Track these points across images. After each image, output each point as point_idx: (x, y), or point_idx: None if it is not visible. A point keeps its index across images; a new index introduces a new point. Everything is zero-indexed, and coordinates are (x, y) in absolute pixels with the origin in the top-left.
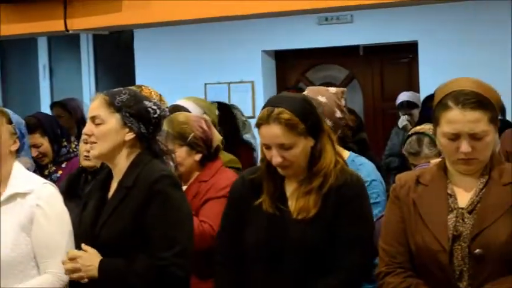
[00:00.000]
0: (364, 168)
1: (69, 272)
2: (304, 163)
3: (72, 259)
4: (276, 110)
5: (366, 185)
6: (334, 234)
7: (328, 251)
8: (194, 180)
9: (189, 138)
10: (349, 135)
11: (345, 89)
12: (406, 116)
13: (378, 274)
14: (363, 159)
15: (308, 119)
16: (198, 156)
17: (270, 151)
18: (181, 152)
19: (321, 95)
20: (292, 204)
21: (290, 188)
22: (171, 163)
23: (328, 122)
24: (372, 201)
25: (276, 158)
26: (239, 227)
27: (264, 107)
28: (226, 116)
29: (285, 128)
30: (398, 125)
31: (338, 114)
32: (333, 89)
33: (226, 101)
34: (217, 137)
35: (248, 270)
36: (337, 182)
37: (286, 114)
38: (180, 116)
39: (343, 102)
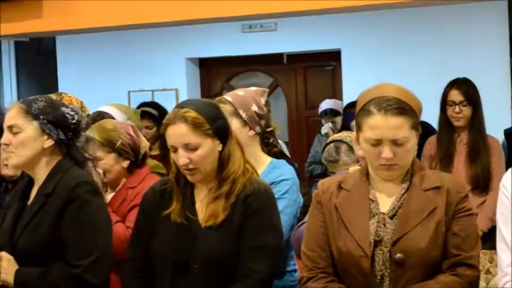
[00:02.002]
0: (282, 168)
1: None
2: (213, 168)
3: None
4: (182, 110)
5: (276, 182)
6: (242, 243)
7: (236, 260)
8: (122, 187)
9: (117, 145)
10: (275, 143)
11: (267, 89)
12: (329, 123)
13: (300, 279)
14: (283, 162)
15: (215, 122)
16: (126, 163)
17: (176, 154)
18: (109, 159)
19: (241, 90)
20: (201, 212)
21: (200, 196)
22: (94, 170)
23: (243, 114)
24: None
25: (182, 159)
26: (149, 238)
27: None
28: (163, 117)
29: (190, 126)
30: (321, 133)
31: (254, 108)
32: (254, 88)
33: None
34: (144, 144)
35: (156, 281)
36: (245, 191)
37: (192, 113)
38: (108, 123)
39: (262, 100)
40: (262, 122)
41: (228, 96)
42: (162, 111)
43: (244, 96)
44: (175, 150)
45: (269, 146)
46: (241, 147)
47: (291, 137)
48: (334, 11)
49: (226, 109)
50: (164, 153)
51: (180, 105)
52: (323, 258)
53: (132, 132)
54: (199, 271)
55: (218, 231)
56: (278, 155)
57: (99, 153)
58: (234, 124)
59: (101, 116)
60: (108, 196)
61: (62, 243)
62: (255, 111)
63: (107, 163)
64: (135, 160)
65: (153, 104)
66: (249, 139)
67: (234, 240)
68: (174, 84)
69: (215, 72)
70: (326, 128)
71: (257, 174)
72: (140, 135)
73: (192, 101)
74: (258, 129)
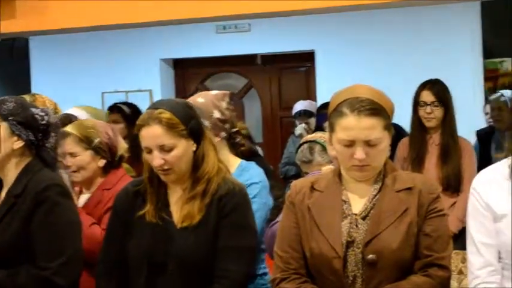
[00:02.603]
0: (250, 172)
1: None
2: (187, 168)
3: None
4: (156, 111)
5: (246, 186)
6: (218, 244)
7: (212, 260)
8: (97, 188)
9: (95, 143)
10: (242, 142)
11: (227, 92)
12: (303, 124)
13: (273, 280)
14: (252, 164)
15: (189, 122)
16: (102, 162)
17: (151, 155)
18: (85, 156)
19: (200, 97)
20: (176, 213)
21: (174, 197)
22: (63, 173)
23: (205, 122)
24: None
25: (157, 160)
26: (123, 239)
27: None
28: (135, 115)
29: (165, 127)
30: (295, 133)
31: (216, 114)
32: (214, 92)
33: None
34: (122, 146)
35: (132, 282)
36: (220, 191)
37: (167, 114)
38: (88, 121)
39: (223, 105)
40: (227, 126)
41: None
42: (135, 110)
43: (205, 104)
44: (150, 151)
45: (236, 146)
46: (214, 147)
47: (265, 138)
48: (308, 12)
49: None
50: (134, 155)
51: (154, 106)
52: (296, 259)
53: (111, 133)
54: (176, 272)
55: (194, 232)
56: (246, 154)
57: (76, 149)
58: None
59: (68, 118)
60: (85, 196)
61: (31, 245)
62: (217, 118)
63: (83, 160)
64: (111, 161)
65: (127, 103)
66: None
67: (210, 240)
68: (148, 85)
69: (189, 73)
70: (300, 129)
71: (230, 173)
72: (119, 137)
73: (166, 101)
74: (223, 134)
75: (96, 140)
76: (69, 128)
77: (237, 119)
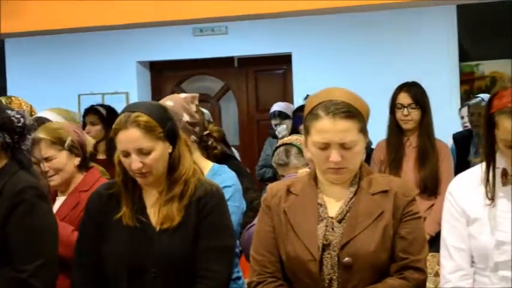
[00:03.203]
0: (223, 176)
1: None
2: (163, 170)
3: None
4: (134, 114)
5: None
6: (199, 245)
7: (193, 262)
8: (74, 190)
9: (67, 142)
10: (214, 145)
11: (196, 94)
12: (284, 125)
13: (249, 284)
14: (225, 168)
15: (166, 124)
16: (77, 160)
17: (128, 158)
18: (62, 157)
19: (170, 100)
20: (154, 215)
21: (150, 199)
22: (40, 174)
23: None
24: None
25: (135, 164)
26: (98, 243)
27: (120, 114)
28: (111, 117)
29: (143, 131)
30: (271, 135)
31: (186, 118)
32: (183, 95)
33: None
34: (89, 141)
35: (111, 287)
36: (197, 192)
37: (144, 117)
38: (54, 123)
39: (193, 108)
40: (197, 129)
41: None
42: (111, 111)
43: (174, 107)
44: (127, 155)
45: (209, 149)
46: (189, 149)
47: (242, 140)
48: (286, 14)
49: None
50: (111, 157)
51: (130, 109)
52: (272, 262)
53: (78, 130)
54: (157, 275)
55: (174, 234)
56: (219, 157)
57: (51, 152)
58: None
59: (40, 121)
60: (61, 199)
61: (8, 247)
62: (186, 121)
63: (61, 161)
64: (84, 158)
65: (103, 105)
66: None
67: (190, 242)
68: (125, 87)
69: (166, 76)
70: (283, 130)
71: (203, 174)
72: (85, 133)
73: (141, 104)
74: (193, 137)
75: (68, 139)
76: (39, 134)
77: (213, 122)
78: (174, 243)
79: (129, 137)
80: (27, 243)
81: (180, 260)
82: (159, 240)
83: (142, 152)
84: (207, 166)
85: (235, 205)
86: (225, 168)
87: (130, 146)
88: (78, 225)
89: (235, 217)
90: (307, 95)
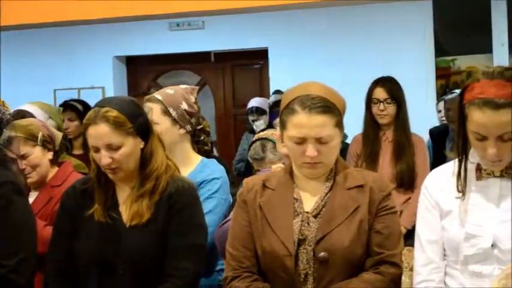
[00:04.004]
0: (212, 167)
1: None
2: (135, 166)
3: None
4: (103, 110)
5: (207, 181)
6: (168, 242)
7: (162, 259)
8: (46, 185)
9: (39, 137)
10: (206, 141)
11: (196, 87)
12: (262, 120)
13: (224, 279)
14: (214, 161)
15: (136, 119)
16: (50, 155)
17: (98, 154)
18: (37, 152)
19: (170, 89)
20: (125, 211)
21: (123, 196)
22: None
23: (173, 112)
24: (205, 195)
25: (104, 159)
26: (71, 238)
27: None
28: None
29: (112, 126)
30: (248, 130)
31: (184, 106)
32: (184, 86)
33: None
34: (58, 135)
35: (81, 283)
36: (169, 189)
37: (113, 113)
38: (22, 120)
39: (192, 98)
40: (193, 120)
41: (157, 95)
42: (87, 106)
43: (174, 95)
44: (97, 150)
45: (200, 144)
46: (162, 144)
47: (219, 135)
48: (262, 9)
49: (156, 107)
50: (87, 153)
51: (100, 104)
52: (247, 257)
53: (45, 125)
54: (126, 271)
55: (143, 231)
56: (208, 153)
57: (26, 149)
58: (164, 122)
59: (21, 114)
60: (33, 195)
61: None
62: (185, 110)
63: (37, 156)
64: (55, 152)
65: (78, 100)
66: (179, 137)
67: (159, 239)
68: (101, 82)
69: (142, 71)
70: (261, 125)
71: (179, 171)
72: (51, 127)
73: (112, 99)
74: (188, 127)
75: (40, 134)
76: (10, 132)
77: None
78: (142, 240)
79: (99, 133)
80: (6, 239)
81: (148, 257)
82: (127, 237)
83: (112, 148)
84: (197, 159)
85: (223, 197)
86: (214, 161)
87: (100, 141)
88: (51, 221)
89: (221, 208)
90: (276, 90)
